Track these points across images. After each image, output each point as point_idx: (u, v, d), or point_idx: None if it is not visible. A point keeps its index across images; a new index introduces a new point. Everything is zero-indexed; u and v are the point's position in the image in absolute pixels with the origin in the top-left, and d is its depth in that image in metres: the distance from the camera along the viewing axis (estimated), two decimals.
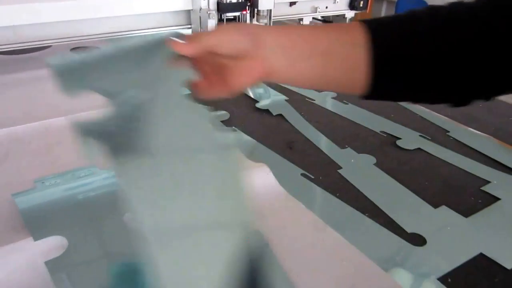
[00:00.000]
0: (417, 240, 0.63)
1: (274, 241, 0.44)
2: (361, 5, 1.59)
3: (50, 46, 1.19)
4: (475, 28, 0.37)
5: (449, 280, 0.56)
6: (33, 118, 0.88)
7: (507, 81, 0.39)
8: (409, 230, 0.65)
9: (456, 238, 0.64)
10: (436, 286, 0.54)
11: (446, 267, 0.57)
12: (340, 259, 0.57)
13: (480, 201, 0.73)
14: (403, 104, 1.06)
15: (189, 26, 1.35)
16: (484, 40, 0.37)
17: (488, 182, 0.78)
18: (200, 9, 1.26)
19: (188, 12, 1.33)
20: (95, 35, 1.24)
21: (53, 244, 0.57)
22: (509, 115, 1.05)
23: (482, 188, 0.76)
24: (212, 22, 1.27)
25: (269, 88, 1.13)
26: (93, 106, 0.61)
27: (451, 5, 0.40)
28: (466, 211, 0.69)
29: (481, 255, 0.60)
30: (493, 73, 0.38)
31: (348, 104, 1.06)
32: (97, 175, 0.69)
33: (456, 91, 0.41)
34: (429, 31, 0.39)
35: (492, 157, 0.86)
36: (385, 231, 0.64)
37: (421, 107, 1.05)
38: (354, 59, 0.40)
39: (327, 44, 0.41)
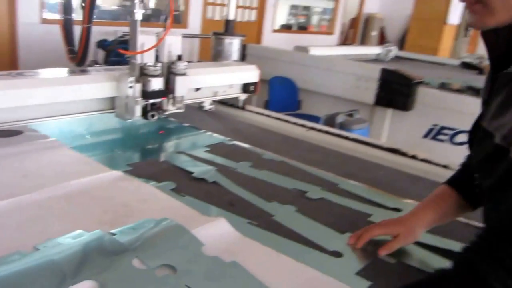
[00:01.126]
0: (337, 254, 0.94)
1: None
2: (251, 90, 1.96)
3: None
4: None
5: (362, 273, 0.87)
6: None
7: None
8: (330, 248, 0.95)
9: (357, 251, 0.96)
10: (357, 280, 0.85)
11: (358, 266, 0.89)
12: (293, 275, 0.84)
13: None
14: (305, 167, 1.41)
15: (113, 110, 1.56)
16: None
17: (371, 215, 1.13)
18: (127, 96, 1.49)
19: (113, 98, 1.54)
20: (24, 120, 1.38)
21: None
22: (377, 171, 1.45)
23: (369, 219, 1.10)
24: (138, 108, 1.50)
25: (196, 161, 1.39)
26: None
27: None
28: None
29: (377, 259, 0.92)
30: None
31: (262, 170, 1.37)
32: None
33: None
34: None
35: (370, 198, 1.22)
36: (315, 252, 0.94)
37: (314, 168, 1.40)
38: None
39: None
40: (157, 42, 1.51)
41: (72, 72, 1.45)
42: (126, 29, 1.49)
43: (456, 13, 6.50)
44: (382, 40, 10.37)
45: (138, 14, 1.42)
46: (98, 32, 5.19)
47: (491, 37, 0.76)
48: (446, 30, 6.39)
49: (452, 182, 0.96)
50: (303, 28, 10.45)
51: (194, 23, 6.91)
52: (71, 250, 0.82)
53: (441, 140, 3.18)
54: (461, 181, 0.95)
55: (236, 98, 2.04)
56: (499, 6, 0.66)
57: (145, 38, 1.48)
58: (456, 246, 0.95)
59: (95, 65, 3.59)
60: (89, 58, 4.40)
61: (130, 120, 1.51)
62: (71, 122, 1.52)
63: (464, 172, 0.95)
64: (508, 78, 0.69)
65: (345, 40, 10.58)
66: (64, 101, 1.40)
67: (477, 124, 0.81)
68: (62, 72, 1.45)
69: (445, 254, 0.98)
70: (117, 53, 3.86)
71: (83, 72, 1.46)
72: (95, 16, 1.61)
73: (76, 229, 0.91)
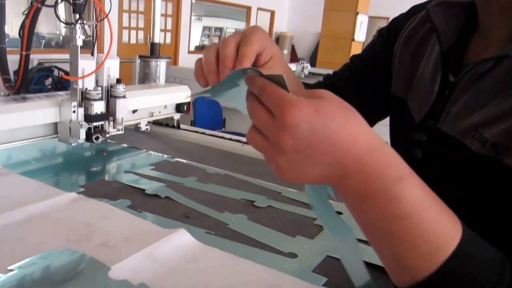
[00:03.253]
0: (292, 255, 1.04)
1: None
2: (185, 109, 2.03)
3: None
4: None
5: (317, 271, 0.97)
6: None
7: None
8: (285, 251, 1.05)
9: (310, 251, 1.07)
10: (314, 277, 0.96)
11: (313, 265, 0.99)
12: (256, 276, 0.93)
13: (315, 229, 1.18)
14: (248, 179, 1.50)
15: (56, 136, 1.57)
16: None
17: (316, 218, 1.25)
18: (71, 121, 1.50)
19: (55, 124, 1.55)
20: None
21: None
22: None
23: (315, 222, 1.22)
24: (83, 131, 1.52)
25: (145, 179, 1.44)
26: None
27: None
28: (312, 236, 1.14)
29: (328, 257, 1.04)
30: None
31: (209, 184, 1.45)
32: None
33: None
34: None
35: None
36: (272, 254, 1.03)
37: (257, 179, 1.51)
38: None
39: None
40: (97, 66, 1.54)
41: (13, 100, 1.44)
42: (41, 56, 1.51)
43: (362, 31, 7.00)
44: (293, 57, 10.85)
45: (79, 40, 1.45)
46: (15, 61, 4.98)
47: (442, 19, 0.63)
48: (354, 47, 6.85)
49: None
50: None
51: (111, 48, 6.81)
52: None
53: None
54: None
55: (170, 118, 2.10)
56: None
57: (86, 63, 1.51)
58: None
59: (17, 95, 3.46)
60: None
61: (74, 144, 1.53)
62: (12, 150, 1.50)
63: None
64: (474, 76, 0.58)
65: None
66: (6, 129, 1.39)
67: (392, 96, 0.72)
68: (2, 100, 1.44)
69: None
70: (36, 81, 3.75)
71: (25, 99, 1.46)
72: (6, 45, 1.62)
73: (44, 249, 0.93)
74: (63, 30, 6.38)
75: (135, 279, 0.86)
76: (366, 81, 0.77)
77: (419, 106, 0.68)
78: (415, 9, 0.76)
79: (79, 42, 1.44)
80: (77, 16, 1.36)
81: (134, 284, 0.84)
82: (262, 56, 0.55)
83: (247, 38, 0.52)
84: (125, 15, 7.01)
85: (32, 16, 1.32)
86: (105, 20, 1.38)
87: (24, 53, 1.44)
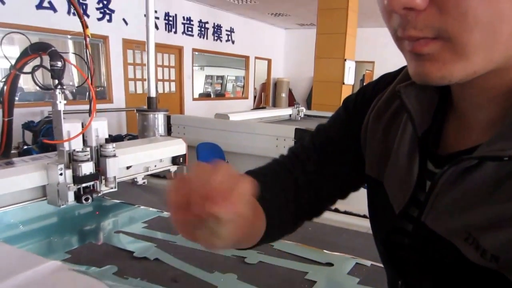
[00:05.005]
0: None
1: None
2: (181, 161, 1.94)
3: None
4: None
5: None
6: None
7: None
8: None
9: None
10: None
11: None
12: None
13: (306, 285, 1.06)
14: None
15: (45, 198, 1.47)
16: None
17: (307, 272, 1.12)
18: (58, 183, 1.41)
19: (43, 186, 1.45)
20: None
21: None
22: (306, 227, 1.47)
23: (306, 277, 1.10)
24: (71, 194, 1.42)
25: (135, 239, 1.32)
26: None
27: None
28: None
29: None
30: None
31: None
32: None
33: None
34: None
35: (304, 256, 1.22)
36: None
37: None
38: None
39: None
40: (83, 130, 1.46)
41: None
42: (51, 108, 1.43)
43: (350, 75, 7.04)
44: (291, 100, 10.87)
45: (61, 105, 1.38)
46: (24, 113, 4.97)
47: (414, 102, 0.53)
48: (344, 89, 6.86)
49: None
50: (220, 95, 10.72)
51: (119, 98, 6.84)
52: None
53: None
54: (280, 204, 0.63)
55: (167, 170, 2.00)
56: (476, 46, 0.38)
57: (70, 126, 1.42)
58: None
59: (25, 146, 3.40)
60: (18, 140, 4.17)
61: (63, 206, 1.43)
62: (1, 214, 1.40)
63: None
64: (460, 170, 0.46)
65: (260, 103, 10.95)
66: None
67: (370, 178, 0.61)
68: None
69: None
70: (44, 133, 3.68)
71: (9, 164, 1.37)
72: (16, 98, 1.54)
73: None
74: (76, 80, 6.42)
75: None
76: (333, 160, 0.64)
77: (397, 193, 0.56)
78: (384, 79, 0.63)
79: (61, 107, 1.36)
80: (56, 81, 1.28)
81: None
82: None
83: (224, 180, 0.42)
84: (130, 68, 7.05)
85: (10, 83, 1.25)
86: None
87: (6, 119, 1.36)
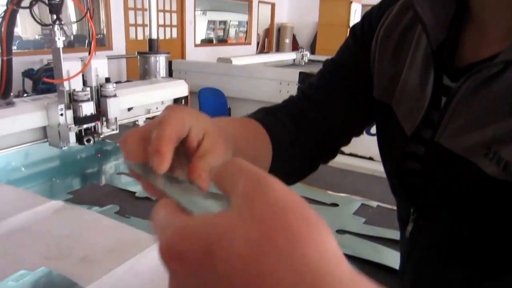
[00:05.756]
0: None
1: None
2: (182, 103, 1.89)
3: None
4: None
5: None
6: None
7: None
8: None
9: None
10: None
11: None
12: None
13: None
14: None
15: (46, 140, 1.44)
16: None
17: None
18: (59, 124, 1.37)
19: (44, 128, 1.42)
20: None
21: None
22: None
23: None
24: (72, 135, 1.39)
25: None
26: None
27: None
28: None
29: None
30: None
31: None
32: None
33: None
34: None
35: (309, 197, 1.20)
36: None
37: None
38: None
39: None
40: (82, 68, 1.40)
41: None
42: (51, 57, 1.37)
43: (356, 19, 6.83)
44: (295, 46, 10.63)
45: (59, 41, 1.32)
46: (24, 62, 4.88)
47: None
48: None
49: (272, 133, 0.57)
50: (222, 41, 10.47)
51: (119, 44, 6.67)
52: None
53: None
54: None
55: None
56: None
57: (70, 65, 1.37)
58: None
59: (25, 95, 3.36)
60: (19, 88, 4.11)
61: (65, 148, 1.40)
62: (3, 156, 1.38)
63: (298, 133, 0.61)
64: (480, 80, 0.43)
65: (263, 49, 10.74)
66: None
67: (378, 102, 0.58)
68: None
69: None
70: (45, 81, 3.62)
71: (9, 104, 1.33)
72: (15, 47, 1.48)
73: (19, 269, 0.81)
74: (74, 29, 6.26)
75: None
76: (343, 89, 0.60)
77: (408, 114, 0.52)
78: (388, 0, 0.59)
79: (60, 44, 1.30)
80: (55, 17, 1.22)
81: None
82: (191, 137, 0.36)
83: (160, 124, 0.35)
84: (131, 13, 6.84)
85: (8, 19, 1.18)
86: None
87: (5, 58, 1.30)
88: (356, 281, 0.20)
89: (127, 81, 4.21)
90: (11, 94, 1.43)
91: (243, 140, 0.48)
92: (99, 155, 1.58)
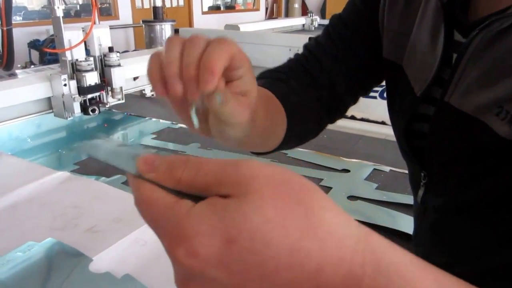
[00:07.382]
0: None
1: None
2: None
3: None
4: None
5: None
6: None
7: None
8: None
9: None
10: None
11: None
12: None
13: None
14: None
15: (51, 111, 1.42)
16: None
17: (322, 179, 1.09)
18: (63, 95, 1.35)
19: (49, 99, 1.40)
20: None
21: None
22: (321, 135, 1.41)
23: (320, 184, 1.06)
24: (77, 105, 1.37)
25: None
26: None
27: None
28: None
29: None
30: None
31: (212, 149, 1.29)
32: None
33: None
34: None
35: (319, 163, 1.18)
36: None
37: None
38: None
39: None
40: (84, 37, 1.37)
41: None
42: None
43: None
44: (304, 11, 10.39)
45: (59, 10, 1.28)
46: (30, 32, 4.84)
47: None
48: None
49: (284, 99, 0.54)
50: (230, 8, 10.26)
51: (125, 14, 6.56)
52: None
53: (373, 97, 3.21)
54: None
55: None
56: None
57: (71, 34, 1.34)
58: None
59: (32, 66, 3.33)
60: (25, 59, 4.09)
61: (71, 118, 1.38)
62: (9, 128, 1.37)
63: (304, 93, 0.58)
64: (491, 34, 0.40)
65: (272, 14, 10.51)
66: None
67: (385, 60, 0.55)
68: None
69: None
70: (51, 52, 3.59)
71: (12, 76, 1.31)
72: (20, 18, 1.44)
73: (26, 240, 0.80)
74: None
75: (119, 270, 0.72)
76: (351, 50, 0.57)
77: (419, 73, 0.49)
78: None
79: (59, 13, 1.26)
80: None
81: (117, 277, 0.70)
82: (234, 62, 0.36)
83: (216, 43, 0.34)
84: None
85: None
86: None
87: (5, 29, 1.27)
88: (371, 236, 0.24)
89: (135, 50, 4.15)
90: (18, 65, 1.40)
91: (263, 108, 0.47)
92: (105, 125, 1.56)
